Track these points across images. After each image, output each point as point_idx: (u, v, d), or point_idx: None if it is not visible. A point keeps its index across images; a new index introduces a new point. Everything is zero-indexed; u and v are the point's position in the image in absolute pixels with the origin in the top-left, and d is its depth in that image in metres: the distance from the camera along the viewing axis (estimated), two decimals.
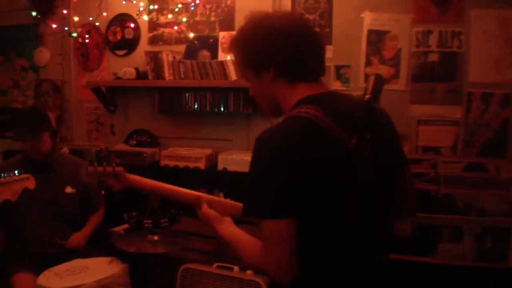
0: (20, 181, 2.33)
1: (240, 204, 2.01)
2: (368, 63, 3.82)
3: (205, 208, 2.09)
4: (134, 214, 3.35)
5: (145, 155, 4.28)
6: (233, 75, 3.94)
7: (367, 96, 1.45)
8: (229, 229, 1.91)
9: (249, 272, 3.08)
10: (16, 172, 2.45)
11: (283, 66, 1.68)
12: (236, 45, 1.77)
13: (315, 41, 1.71)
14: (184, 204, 2.27)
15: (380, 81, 1.49)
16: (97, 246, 3.56)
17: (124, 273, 3.03)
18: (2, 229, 3.55)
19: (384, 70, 3.76)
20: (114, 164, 2.34)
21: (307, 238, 1.53)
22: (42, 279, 2.93)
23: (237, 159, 3.92)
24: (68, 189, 3.55)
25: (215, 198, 2.22)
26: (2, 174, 2.39)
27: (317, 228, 1.54)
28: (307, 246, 1.54)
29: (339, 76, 3.90)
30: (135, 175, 2.39)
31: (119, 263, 3.12)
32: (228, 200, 2.25)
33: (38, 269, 3.13)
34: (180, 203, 2.33)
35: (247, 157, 3.89)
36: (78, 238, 3.46)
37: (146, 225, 3.34)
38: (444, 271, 3.12)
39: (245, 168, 3.75)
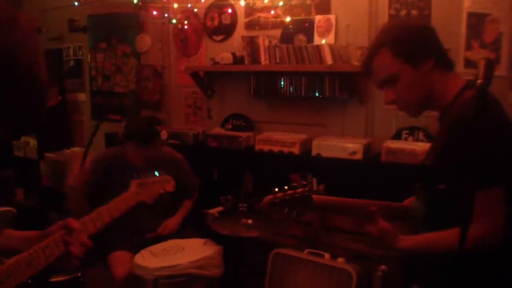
0: (159, 183, 2.26)
1: (399, 204, 2.14)
2: (468, 47, 3.64)
3: (382, 223, 1.91)
4: (230, 197, 3.41)
5: (240, 139, 4.33)
6: (328, 59, 3.89)
7: (479, 81, 1.45)
8: (412, 238, 1.89)
9: (340, 260, 3.05)
10: (156, 173, 2.39)
11: (442, 53, 1.86)
12: (392, 41, 1.85)
13: None
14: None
15: (490, 65, 1.50)
16: (191, 226, 3.64)
17: (218, 255, 3.10)
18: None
19: (484, 55, 3.56)
20: (301, 184, 1.96)
21: None
22: (139, 257, 3.05)
23: (332, 145, 3.87)
24: None
25: (384, 203, 2.07)
26: (142, 174, 2.30)
27: None
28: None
29: None
30: (321, 195, 2.13)
31: (213, 244, 3.19)
32: (391, 203, 2.13)
33: (135, 248, 3.26)
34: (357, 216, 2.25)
35: (342, 143, 3.84)
36: (170, 225, 3.55)
37: (241, 208, 3.39)
38: None
39: (340, 154, 3.77)
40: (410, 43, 1.83)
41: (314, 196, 1.99)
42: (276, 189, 1.94)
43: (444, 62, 1.86)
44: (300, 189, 1.92)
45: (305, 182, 1.96)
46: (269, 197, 1.92)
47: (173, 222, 3.57)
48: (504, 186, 1.64)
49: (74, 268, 1.71)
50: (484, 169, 1.61)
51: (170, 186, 2.34)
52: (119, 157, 3.54)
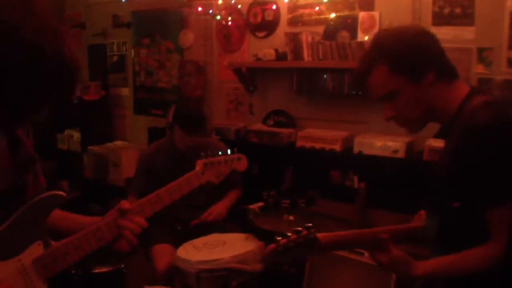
0: (230, 162, 2.07)
1: (409, 225, 2.00)
2: (511, 46, 3.57)
3: (394, 251, 1.73)
4: (273, 193, 3.40)
5: (281, 135, 4.34)
6: None
7: None
8: (427, 263, 1.72)
9: None
10: (228, 150, 2.16)
11: (443, 64, 1.70)
12: (389, 57, 1.70)
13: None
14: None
15: None
16: (232, 222, 3.66)
17: (260, 251, 3.10)
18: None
19: None
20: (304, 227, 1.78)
21: None
22: (181, 251, 3.08)
23: (374, 143, 3.85)
24: None
25: (394, 228, 1.93)
26: (209, 153, 2.09)
27: None
28: None
29: (481, 59, 3.69)
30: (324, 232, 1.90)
31: (255, 240, 3.20)
32: (400, 226, 1.99)
33: (177, 241, 3.29)
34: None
35: (384, 141, 3.82)
36: (218, 209, 3.56)
37: (284, 204, 3.39)
38: None
39: (382, 152, 3.73)
40: (408, 59, 1.68)
41: (320, 235, 1.79)
42: (279, 238, 1.75)
43: (446, 73, 1.72)
44: (305, 233, 1.74)
45: (310, 225, 1.77)
46: (272, 246, 1.75)
47: (219, 208, 3.57)
48: None
49: (126, 252, 1.68)
50: (499, 185, 1.53)
51: (241, 165, 2.15)
52: (166, 148, 3.58)
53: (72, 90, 1.35)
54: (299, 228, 1.76)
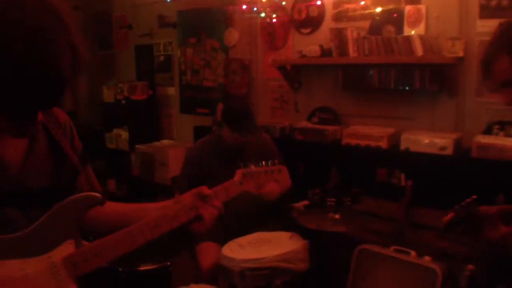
0: (270, 173, 2.01)
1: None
2: None
3: (504, 228, 1.93)
4: (318, 191, 3.38)
5: (327, 133, 4.30)
6: (419, 50, 3.78)
7: None
8: None
9: (426, 258, 2.96)
10: (269, 162, 2.08)
11: None
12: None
13: None
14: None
15: None
16: (276, 220, 3.64)
17: (304, 249, 3.08)
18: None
19: None
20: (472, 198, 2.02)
21: None
22: (226, 249, 3.08)
23: (421, 140, 3.76)
24: None
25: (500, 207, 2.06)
26: (248, 164, 2.02)
27: None
28: None
29: None
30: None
31: (300, 238, 3.18)
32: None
33: (222, 239, 3.30)
34: None
35: (431, 137, 3.73)
36: (271, 187, 3.50)
37: (329, 203, 3.36)
38: None
39: (429, 149, 3.65)
40: None
41: (481, 207, 1.99)
42: (457, 206, 1.96)
43: None
44: (473, 204, 1.94)
45: (474, 197, 1.96)
46: (452, 214, 1.98)
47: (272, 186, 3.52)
48: None
49: (200, 233, 1.68)
50: None
51: (282, 176, 2.07)
52: (212, 145, 3.57)
53: (55, 100, 1.33)
54: (469, 200, 1.97)
